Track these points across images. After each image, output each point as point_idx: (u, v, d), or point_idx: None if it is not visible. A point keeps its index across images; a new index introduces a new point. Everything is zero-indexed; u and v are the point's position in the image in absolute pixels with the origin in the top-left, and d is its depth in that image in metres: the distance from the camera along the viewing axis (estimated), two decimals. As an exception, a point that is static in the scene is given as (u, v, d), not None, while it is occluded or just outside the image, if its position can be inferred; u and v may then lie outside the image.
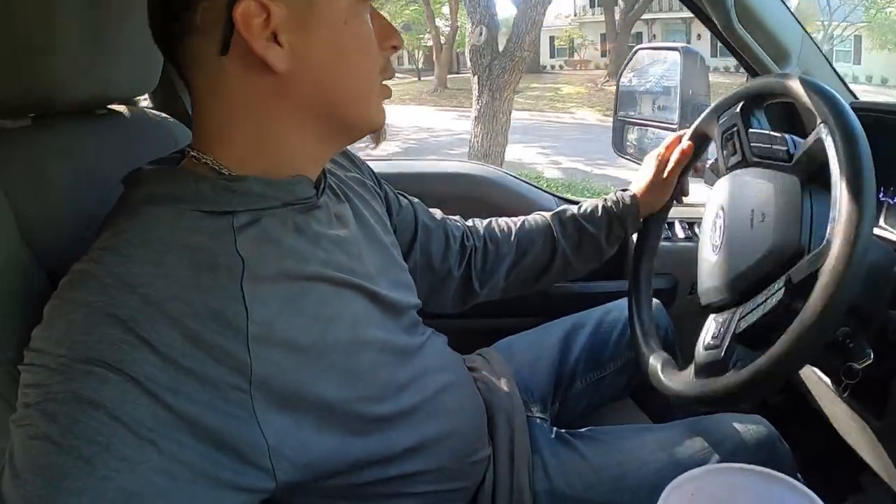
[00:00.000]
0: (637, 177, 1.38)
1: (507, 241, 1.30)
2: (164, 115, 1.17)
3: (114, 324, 0.60)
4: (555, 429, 1.21)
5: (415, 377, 0.90)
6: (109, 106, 1.05)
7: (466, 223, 1.31)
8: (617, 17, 25.75)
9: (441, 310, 1.25)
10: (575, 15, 34.31)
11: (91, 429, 0.56)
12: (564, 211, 1.34)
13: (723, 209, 1.12)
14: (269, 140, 0.77)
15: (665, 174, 1.32)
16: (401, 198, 1.19)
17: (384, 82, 0.86)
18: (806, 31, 1.42)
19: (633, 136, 1.84)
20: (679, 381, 1.04)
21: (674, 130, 1.56)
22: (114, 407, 0.57)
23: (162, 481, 0.58)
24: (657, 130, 1.70)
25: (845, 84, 1.49)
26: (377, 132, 0.89)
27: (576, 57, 34.44)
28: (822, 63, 1.46)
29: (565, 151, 11.36)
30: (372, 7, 0.81)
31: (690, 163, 1.32)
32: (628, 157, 1.84)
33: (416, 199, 1.23)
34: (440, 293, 1.24)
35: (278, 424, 0.69)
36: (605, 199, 1.35)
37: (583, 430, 1.21)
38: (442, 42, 25.57)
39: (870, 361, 0.87)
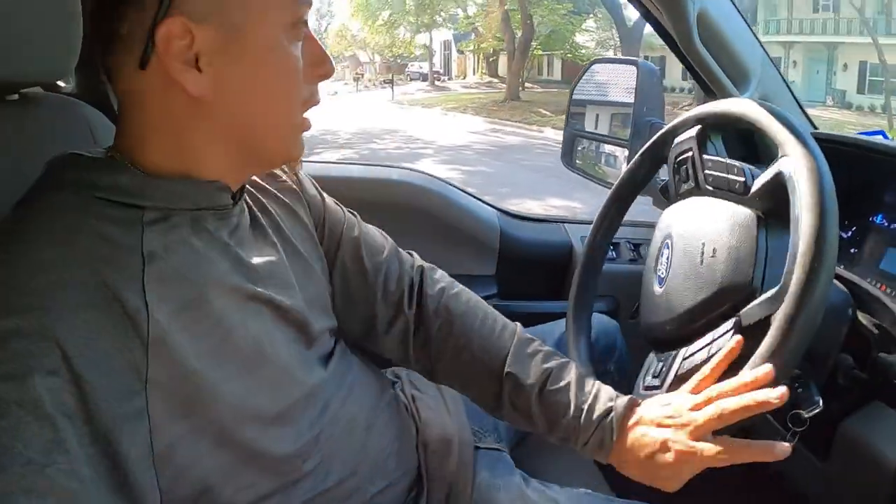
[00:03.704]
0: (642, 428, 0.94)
1: (444, 355, 1.08)
2: (81, 102, 1.14)
3: (20, 313, 0.61)
4: (516, 470, 1.14)
5: (322, 406, 0.89)
6: (22, 91, 1.01)
7: (427, 288, 1.11)
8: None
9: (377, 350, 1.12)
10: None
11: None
12: (526, 383, 1.02)
13: (671, 239, 1.11)
14: (186, 153, 0.77)
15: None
16: (347, 214, 1.10)
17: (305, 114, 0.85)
18: (767, 54, 1.42)
19: (582, 150, 1.85)
20: None
21: (625, 147, 1.58)
22: (19, 400, 0.58)
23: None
24: (607, 146, 1.72)
25: (804, 111, 1.48)
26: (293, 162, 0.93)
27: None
28: (782, 88, 1.46)
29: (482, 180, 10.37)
30: (306, 30, 0.80)
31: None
32: (577, 170, 1.85)
33: (359, 230, 1.09)
34: (369, 333, 1.10)
35: (173, 432, 0.69)
36: (578, 408, 0.98)
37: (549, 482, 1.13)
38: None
39: (818, 409, 0.87)
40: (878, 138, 1.28)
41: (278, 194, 0.97)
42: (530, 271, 1.89)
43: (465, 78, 45.91)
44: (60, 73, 1.03)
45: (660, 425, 0.91)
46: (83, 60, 1.01)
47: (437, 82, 43.25)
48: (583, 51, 28.80)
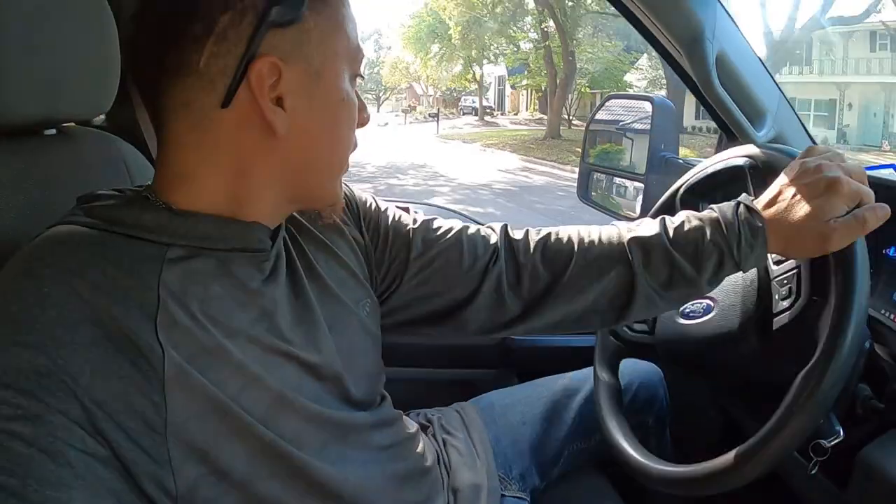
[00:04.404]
0: (780, 204, 0.95)
1: (562, 271, 1.03)
2: (116, 137, 1.17)
3: (23, 349, 0.61)
4: None
5: (358, 453, 0.88)
6: (63, 125, 1.06)
7: (516, 237, 1.07)
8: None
9: (467, 331, 1.09)
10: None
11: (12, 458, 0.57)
12: (650, 238, 1.00)
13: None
14: (239, 192, 0.77)
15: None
16: (399, 224, 1.06)
17: None
18: (782, 93, 1.45)
19: (598, 183, 1.89)
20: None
21: (641, 181, 1.62)
22: (32, 437, 0.58)
23: None
24: (623, 180, 1.75)
25: (810, 136, 1.50)
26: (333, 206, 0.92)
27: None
28: (796, 125, 1.48)
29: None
30: None
31: None
32: (593, 204, 1.88)
33: (419, 224, 1.07)
34: (458, 317, 1.06)
35: (194, 475, 0.68)
36: (718, 223, 0.96)
37: None
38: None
39: (839, 439, 0.92)
40: (889, 171, 1.32)
41: (315, 230, 0.96)
42: None
43: (516, 114, 45.80)
44: (98, 110, 1.07)
45: (803, 174, 0.94)
46: (116, 97, 1.06)
47: (486, 117, 43.11)
48: (633, 89, 28.05)
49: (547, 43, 25.75)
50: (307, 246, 0.93)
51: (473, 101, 47.56)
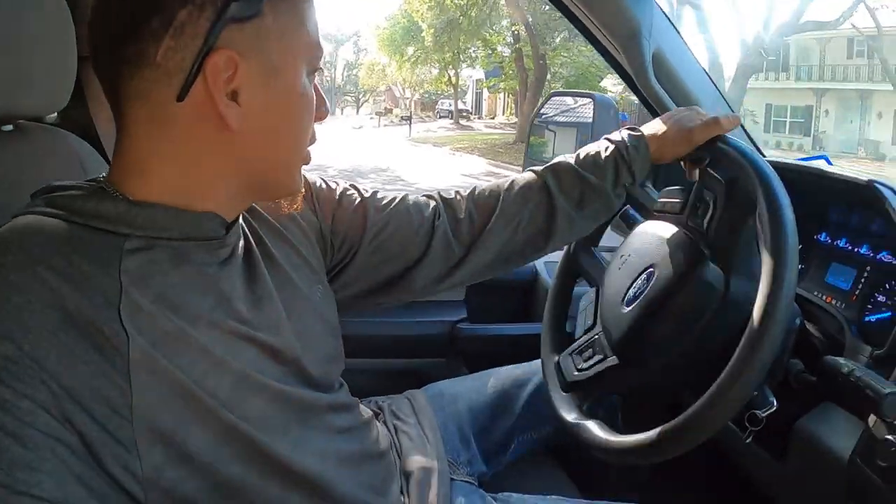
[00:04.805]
0: (654, 122, 1.21)
1: (493, 209, 1.16)
2: (70, 134, 1.19)
3: None
4: (488, 496, 1.18)
5: (319, 435, 0.90)
6: (19, 121, 1.07)
7: (449, 196, 1.20)
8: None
9: (417, 292, 1.18)
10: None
11: None
12: (560, 163, 1.20)
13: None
14: (192, 179, 0.78)
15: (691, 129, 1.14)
16: (350, 194, 1.13)
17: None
18: (720, 90, 1.51)
19: None
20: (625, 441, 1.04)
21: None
22: (1, 423, 0.60)
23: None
24: None
25: (753, 141, 1.56)
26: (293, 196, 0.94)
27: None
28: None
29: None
30: None
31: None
32: None
33: (369, 195, 1.14)
34: (413, 276, 1.15)
35: (159, 458, 0.69)
36: (608, 142, 1.19)
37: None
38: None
39: (773, 409, 0.95)
40: (821, 162, 1.37)
41: (270, 218, 0.98)
42: (497, 295, 1.99)
43: (493, 117, 45.66)
44: (56, 106, 1.08)
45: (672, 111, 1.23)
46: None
47: (462, 121, 42.85)
48: (609, 94, 27.95)
49: (518, 46, 25.76)
50: (262, 232, 0.95)
51: (450, 105, 47.13)
